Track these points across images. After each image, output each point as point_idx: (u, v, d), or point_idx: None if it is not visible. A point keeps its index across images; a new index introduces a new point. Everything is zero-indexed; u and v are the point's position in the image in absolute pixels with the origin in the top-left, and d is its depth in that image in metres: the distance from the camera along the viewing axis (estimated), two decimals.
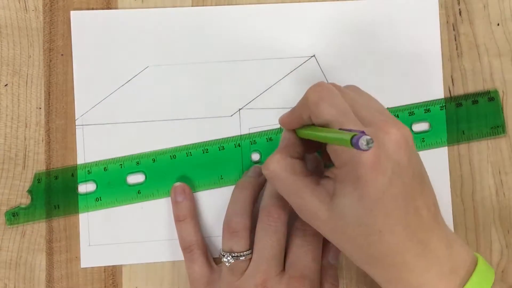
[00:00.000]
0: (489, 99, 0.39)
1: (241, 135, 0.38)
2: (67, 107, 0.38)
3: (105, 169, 0.38)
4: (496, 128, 0.38)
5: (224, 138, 0.38)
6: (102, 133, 0.38)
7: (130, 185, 0.38)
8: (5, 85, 0.38)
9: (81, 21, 0.38)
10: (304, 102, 0.30)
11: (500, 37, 0.39)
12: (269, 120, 0.38)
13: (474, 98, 0.39)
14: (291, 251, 0.34)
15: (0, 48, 0.38)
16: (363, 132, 0.23)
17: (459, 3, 0.39)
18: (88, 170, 0.38)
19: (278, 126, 0.38)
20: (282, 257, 0.34)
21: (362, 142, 0.22)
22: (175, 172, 0.38)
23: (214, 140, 0.38)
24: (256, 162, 0.38)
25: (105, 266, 0.38)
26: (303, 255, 0.34)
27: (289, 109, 0.38)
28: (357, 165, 0.28)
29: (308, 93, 0.30)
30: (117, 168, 0.38)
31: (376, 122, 0.29)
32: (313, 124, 0.31)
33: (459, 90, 0.39)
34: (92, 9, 0.38)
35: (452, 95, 0.39)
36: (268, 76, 0.39)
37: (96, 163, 0.38)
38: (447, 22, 0.39)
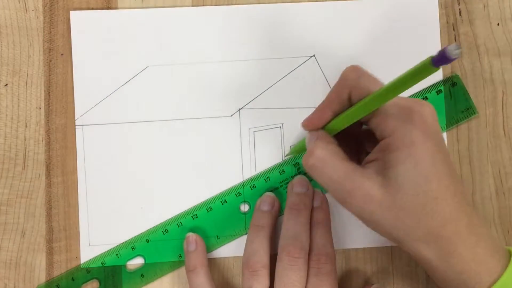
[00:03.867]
0: (452, 84, 0.39)
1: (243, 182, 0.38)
2: (67, 107, 0.38)
3: (102, 263, 0.37)
4: (467, 110, 0.39)
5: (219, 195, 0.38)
6: (102, 133, 0.38)
7: (131, 272, 0.38)
8: (5, 85, 0.38)
9: (81, 21, 0.38)
10: (343, 82, 0.31)
11: (500, 37, 0.39)
12: (269, 120, 0.38)
13: (437, 88, 0.39)
14: None
15: (0, 48, 0.38)
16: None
17: (459, 3, 0.39)
18: (87, 270, 0.37)
19: (277, 125, 0.38)
20: None
21: (452, 48, 0.21)
22: (171, 248, 0.38)
23: (203, 202, 0.38)
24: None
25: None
26: None
27: (290, 109, 0.38)
28: (409, 128, 0.29)
29: (347, 72, 0.31)
30: (114, 259, 0.37)
31: (407, 99, 0.30)
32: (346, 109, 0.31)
33: None
34: (92, 9, 0.38)
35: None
36: (268, 76, 0.39)
37: (93, 260, 0.37)
38: (447, 22, 0.39)
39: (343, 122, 0.32)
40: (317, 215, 0.35)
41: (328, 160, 0.31)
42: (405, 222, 0.29)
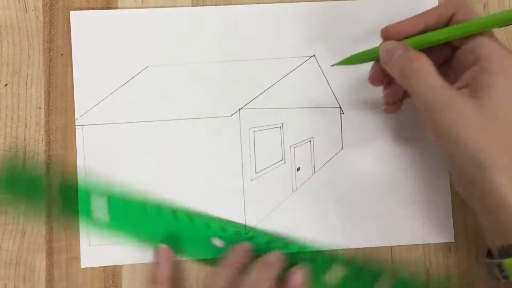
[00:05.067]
0: None
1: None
2: (67, 107, 0.38)
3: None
4: None
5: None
6: (102, 133, 0.38)
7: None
8: (5, 85, 0.38)
9: (81, 21, 0.38)
10: (450, 1, 0.32)
11: (500, 37, 0.39)
12: (269, 120, 0.38)
13: None
14: None
15: (0, 48, 0.38)
16: None
17: None
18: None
19: (277, 125, 0.38)
20: None
21: None
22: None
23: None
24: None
25: (105, 266, 0.38)
26: None
27: (290, 109, 0.38)
28: (505, 53, 0.30)
29: None
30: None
31: None
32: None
33: None
34: (92, 9, 0.38)
35: None
36: (268, 76, 0.39)
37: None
38: None
39: (436, 37, 0.31)
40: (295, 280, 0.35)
41: (431, 68, 0.30)
42: (495, 147, 0.28)
